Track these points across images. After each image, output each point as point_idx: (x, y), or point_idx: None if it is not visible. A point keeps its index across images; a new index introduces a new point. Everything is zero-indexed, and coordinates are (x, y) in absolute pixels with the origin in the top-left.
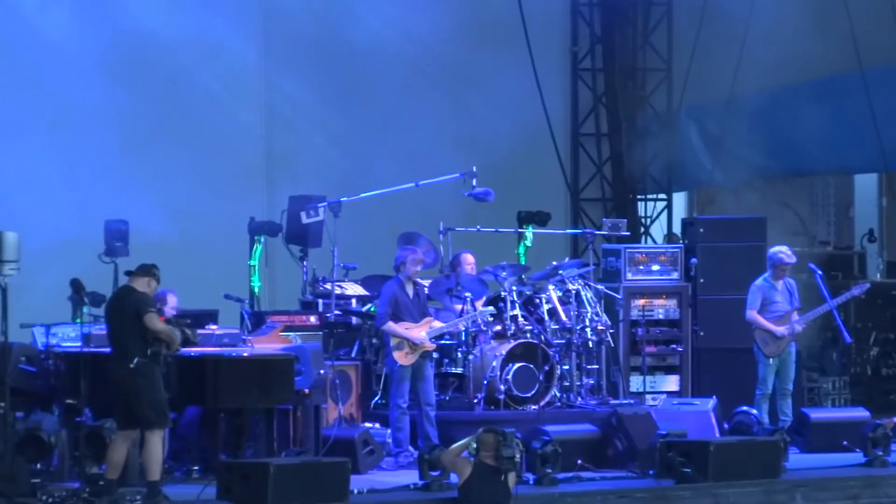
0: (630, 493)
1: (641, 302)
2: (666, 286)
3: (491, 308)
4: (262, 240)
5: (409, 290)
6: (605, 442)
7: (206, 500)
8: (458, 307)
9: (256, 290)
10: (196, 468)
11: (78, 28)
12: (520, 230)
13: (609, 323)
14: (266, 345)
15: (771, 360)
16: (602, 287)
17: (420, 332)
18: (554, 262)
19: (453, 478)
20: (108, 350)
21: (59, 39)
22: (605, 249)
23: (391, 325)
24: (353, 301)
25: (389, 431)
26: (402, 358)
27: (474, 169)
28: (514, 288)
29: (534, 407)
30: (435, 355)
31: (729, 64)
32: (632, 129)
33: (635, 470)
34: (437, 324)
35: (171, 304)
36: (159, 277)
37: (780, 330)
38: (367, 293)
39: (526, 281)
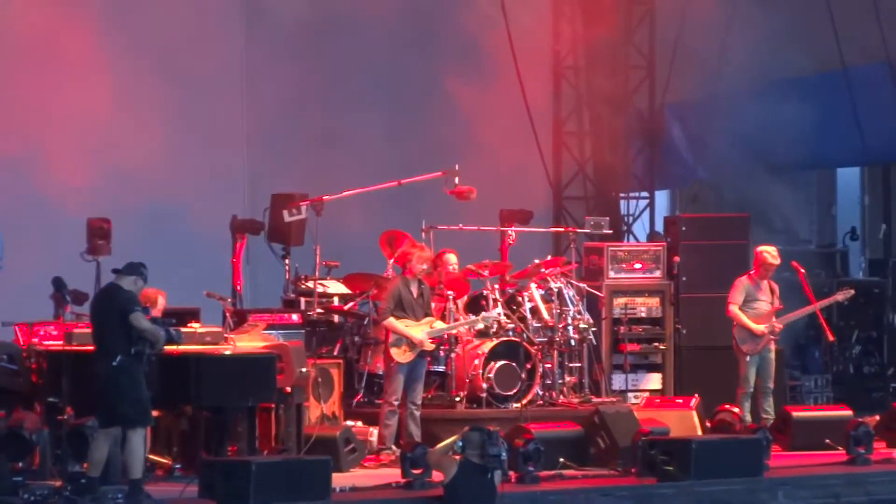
0: (612, 492)
1: (624, 300)
2: (648, 284)
3: (494, 314)
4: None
5: (414, 288)
6: (587, 440)
7: (188, 499)
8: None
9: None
10: (177, 466)
11: (60, 26)
12: (502, 228)
13: (591, 321)
14: (248, 343)
15: (748, 357)
16: (584, 285)
17: (420, 331)
18: (536, 260)
19: (435, 476)
20: (90, 348)
21: (40, 39)
22: (587, 247)
23: (392, 322)
24: (336, 299)
25: (371, 429)
26: (400, 355)
27: (457, 167)
28: (496, 286)
29: (516, 405)
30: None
31: (711, 62)
32: (614, 128)
33: (617, 468)
34: (439, 324)
35: (160, 305)
36: (146, 276)
37: (760, 329)
38: (350, 291)
39: (508, 279)
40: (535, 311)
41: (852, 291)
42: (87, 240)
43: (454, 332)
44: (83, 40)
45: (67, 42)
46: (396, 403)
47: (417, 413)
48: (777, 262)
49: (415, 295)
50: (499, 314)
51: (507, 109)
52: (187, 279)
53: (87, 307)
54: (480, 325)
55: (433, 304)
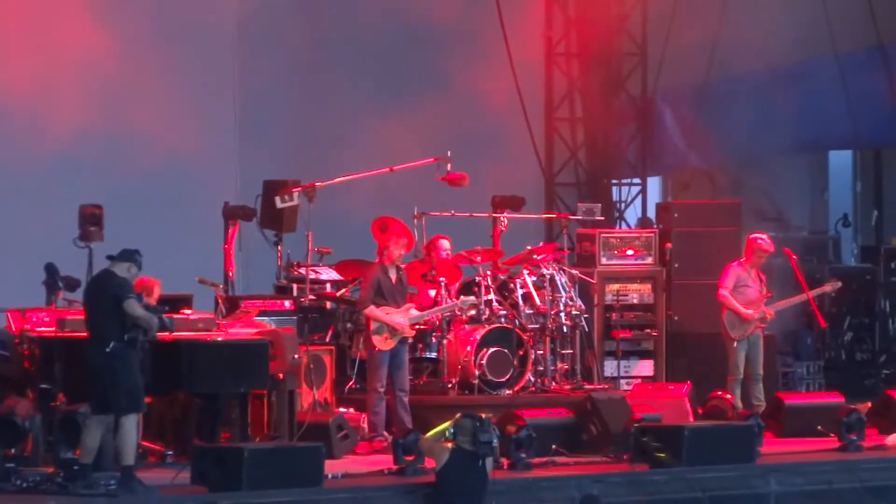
0: (604, 478)
1: (616, 286)
2: (640, 271)
3: (472, 297)
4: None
5: (392, 274)
6: (579, 427)
7: (181, 485)
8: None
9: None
10: (170, 453)
11: (52, 15)
12: (494, 215)
13: (583, 307)
14: (240, 329)
15: (736, 343)
16: (576, 272)
17: (400, 317)
18: (528, 247)
19: (427, 462)
20: (82, 335)
21: (33, 27)
22: (579, 234)
23: (372, 310)
24: (328, 285)
25: (364, 415)
26: (382, 343)
27: (449, 153)
28: (488, 272)
29: (508, 392)
30: (409, 340)
31: (703, 48)
32: (606, 114)
33: (610, 455)
34: (416, 310)
35: (156, 294)
36: (141, 264)
37: (749, 313)
38: (342, 278)
39: (500, 266)
40: (527, 297)
41: (840, 283)
42: (80, 226)
43: (434, 316)
44: (75, 28)
45: (61, 30)
46: (382, 390)
47: (406, 399)
48: (770, 249)
49: (393, 281)
50: (474, 298)
51: (500, 95)
52: (179, 266)
53: (79, 293)
54: (472, 312)
55: (412, 291)
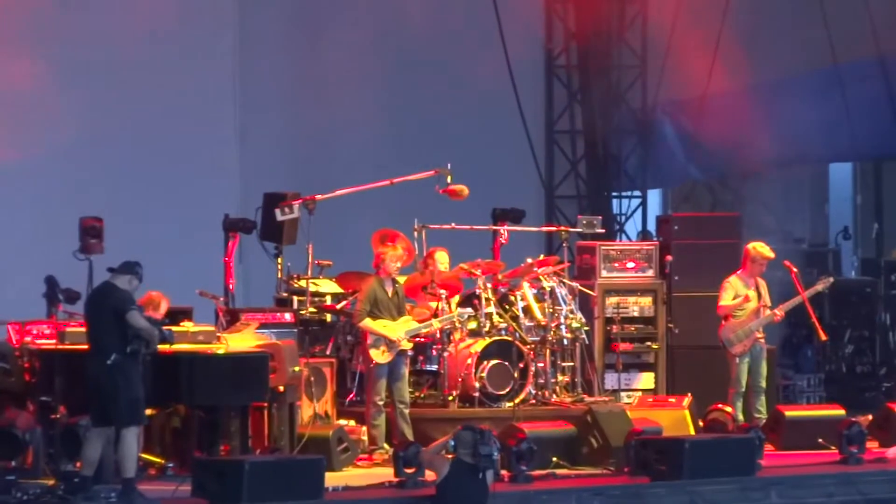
0: (605, 491)
1: (616, 299)
2: (641, 283)
3: (469, 309)
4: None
5: (388, 287)
6: (580, 439)
7: (181, 498)
8: (434, 304)
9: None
10: (170, 465)
11: (49, 27)
12: (494, 227)
13: (584, 320)
14: (241, 342)
15: (738, 358)
16: (577, 284)
17: (397, 330)
18: (528, 260)
19: (427, 475)
20: (82, 347)
21: (32, 37)
22: (579, 246)
23: (368, 323)
24: (328, 298)
25: (364, 428)
26: (379, 356)
27: (449, 166)
28: (488, 285)
29: (509, 404)
30: (409, 353)
31: (704, 60)
32: (607, 127)
33: (610, 467)
34: (414, 323)
35: (163, 309)
36: (142, 276)
37: (749, 325)
38: (342, 290)
39: (500, 278)
40: (527, 310)
41: (832, 279)
42: (80, 238)
43: (431, 329)
44: (74, 34)
45: (61, 37)
46: (381, 403)
47: (406, 411)
48: (770, 255)
49: (389, 294)
50: (471, 310)
51: (500, 108)
52: (179, 278)
53: (79, 306)
54: (472, 325)
55: (410, 304)
